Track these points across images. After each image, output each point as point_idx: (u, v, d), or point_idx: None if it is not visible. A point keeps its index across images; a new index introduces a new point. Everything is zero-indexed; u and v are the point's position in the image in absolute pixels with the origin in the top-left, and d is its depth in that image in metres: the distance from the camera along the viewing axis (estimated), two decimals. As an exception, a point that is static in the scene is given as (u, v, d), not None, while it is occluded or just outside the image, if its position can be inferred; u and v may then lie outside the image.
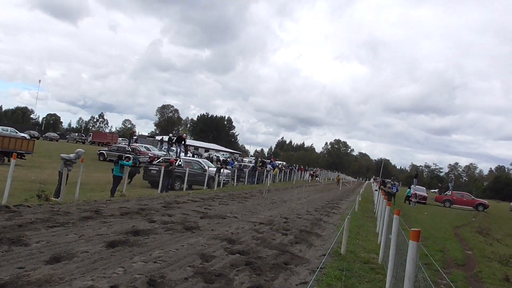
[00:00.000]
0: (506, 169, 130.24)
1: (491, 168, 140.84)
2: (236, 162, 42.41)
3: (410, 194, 34.12)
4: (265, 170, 35.09)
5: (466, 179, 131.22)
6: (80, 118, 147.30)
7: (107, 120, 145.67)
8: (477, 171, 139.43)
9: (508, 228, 24.55)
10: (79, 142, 61.23)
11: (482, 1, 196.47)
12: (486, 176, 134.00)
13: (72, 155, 13.89)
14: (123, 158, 17.35)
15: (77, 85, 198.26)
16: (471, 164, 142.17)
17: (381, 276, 7.62)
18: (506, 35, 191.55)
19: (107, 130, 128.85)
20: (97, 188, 18.90)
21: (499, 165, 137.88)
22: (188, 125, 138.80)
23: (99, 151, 37.52)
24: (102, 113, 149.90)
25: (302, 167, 62.31)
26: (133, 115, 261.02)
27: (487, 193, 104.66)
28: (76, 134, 76.60)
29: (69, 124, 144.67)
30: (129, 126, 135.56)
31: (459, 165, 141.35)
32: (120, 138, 64.46)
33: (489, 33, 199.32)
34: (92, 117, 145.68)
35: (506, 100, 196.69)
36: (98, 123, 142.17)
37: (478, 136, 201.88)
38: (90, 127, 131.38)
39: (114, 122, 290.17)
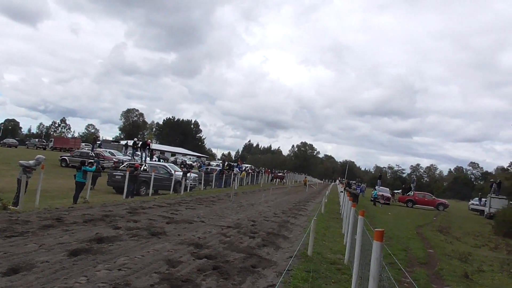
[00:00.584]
0: (464, 170, 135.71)
1: (450, 169, 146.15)
2: (204, 166, 42.15)
3: (376, 196, 34.88)
4: (232, 174, 35.01)
5: (427, 180, 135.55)
6: (41, 124, 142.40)
7: (69, 125, 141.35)
8: (438, 172, 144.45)
9: (467, 226, 25.53)
10: (40, 148, 58.97)
11: (440, 9, 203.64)
12: (446, 176, 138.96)
13: (31, 162, 13.40)
14: (86, 164, 16.89)
15: (38, 90, 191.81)
16: (432, 165, 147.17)
17: (347, 276, 7.74)
18: (462, 42, 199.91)
19: (69, 136, 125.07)
20: (59, 195, 18.31)
21: (457, 166, 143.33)
22: (154, 129, 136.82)
23: (61, 157, 36.32)
24: (64, 118, 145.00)
25: (268, 169, 62.55)
26: (97, 120, 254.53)
27: (447, 193, 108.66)
28: (37, 140, 73.83)
29: (29, 130, 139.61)
30: (92, 131, 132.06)
31: (421, 166, 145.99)
32: (83, 144, 62.62)
33: (446, 39, 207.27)
34: (54, 122, 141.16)
35: (463, 104, 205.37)
36: (60, 128, 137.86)
37: (438, 138, 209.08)
38: (52, 133, 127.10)
39: (77, 127, 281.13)
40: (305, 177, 65.49)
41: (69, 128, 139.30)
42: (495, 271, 11.07)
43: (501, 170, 58.60)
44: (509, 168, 39.81)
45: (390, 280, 4.20)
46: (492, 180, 44.68)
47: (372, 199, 35.46)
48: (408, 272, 7.90)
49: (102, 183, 23.29)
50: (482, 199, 43.02)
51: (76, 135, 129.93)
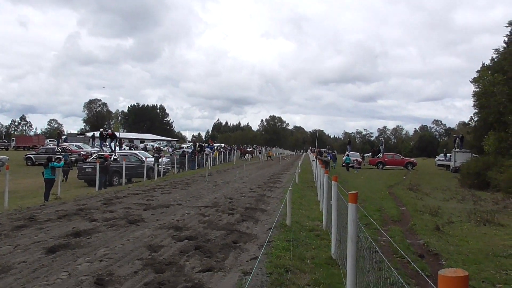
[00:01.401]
0: (428, 128, 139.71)
1: (415, 128, 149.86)
2: (174, 149, 41.71)
3: (349, 161, 35.48)
4: (205, 154, 34.88)
5: (395, 141, 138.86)
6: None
7: (30, 122, 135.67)
8: (404, 132, 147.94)
9: (435, 182, 26.53)
10: (2, 148, 56.75)
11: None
12: (412, 136, 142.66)
13: (-5, 163, 12.91)
14: (53, 160, 16.41)
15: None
16: (398, 126, 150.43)
17: (326, 241, 7.95)
18: (416, 3, 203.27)
19: (31, 133, 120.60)
20: (29, 194, 17.79)
21: (422, 125, 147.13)
22: (119, 117, 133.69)
23: (26, 155, 35.08)
24: (23, 115, 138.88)
25: (241, 147, 62.65)
26: (59, 114, 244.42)
27: (414, 151, 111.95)
28: (-3, 140, 70.96)
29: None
30: (55, 126, 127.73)
31: (387, 129, 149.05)
32: (48, 140, 60.62)
33: (401, 2, 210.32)
34: (13, 121, 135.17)
35: (422, 64, 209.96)
36: (20, 127, 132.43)
37: (401, 99, 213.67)
38: (12, 132, 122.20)
39: (39, 124, 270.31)
40: (269, 150, 65.65)
41: (30, 126, 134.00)
42: (464, 221, 11.61)
43: (463, 125, 60.91)
44: (469, 122, 41.35)
45: (368, 240, 4.33)
46: (455, 135, 46.29)
47: (344, 164, 36.12)
48: (384, 231, 8.18)
49: (73, 177, 22.77)
50: (447, 154, 44.65)
51: (38, 131, 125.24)
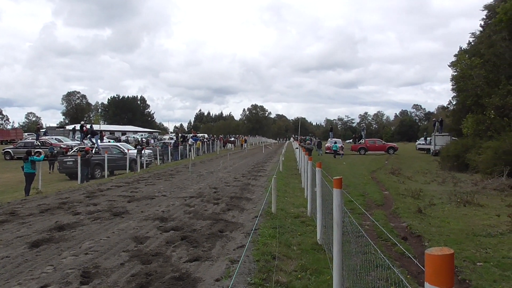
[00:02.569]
0: (408, 113, 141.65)
1: (396, 113, 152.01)
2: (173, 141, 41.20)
3: (336, 149, 35.76)
4: (188, 145, 34.70)
5: (376, 126, 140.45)
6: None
7: (7, 116, 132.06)
8: (385, 117, 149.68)
9: (416, 165, 26.99)
10: (-21, 143, 55.38)
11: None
12: (392, 121, 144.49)
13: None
14: (33, 154, 16.09)
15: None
16: (379, 111, 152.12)
17: (311, 227, 8.04)
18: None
19: (9, 127, 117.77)
20: (9, 189, 17.44)
21: (402, 110, 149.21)
22: (100, 110, 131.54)
23: (4, 150, 34.32)
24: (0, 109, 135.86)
25: (222, 137, 62.44)
26: (37, 107, 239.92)
27: (395, 136, 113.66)
28: (-27, 135, 69.02)
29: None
30: (33, 119, 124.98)
31: (369, 114, 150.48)
32: (26, 133, 59.31)
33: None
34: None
35: (401, 49, 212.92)
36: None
37: (382, 85, 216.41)
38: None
39: (16, 117, 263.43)
40: (242, 137, 65.27)
41: (7, 119, 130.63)
42: (445, 203, 11.87)
43: (442, 109, 61.80)
44: (448, 106, 42.03)
45: (353, 224, 4.39)
46: (434, 119, 47.07)
47: (328, 151, 36.35)
48: (368, 215, 8.32)
49: (54, 171, 22.41)
50: (427, 138, 45.38)
51: (16, 125, 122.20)
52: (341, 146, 37.69)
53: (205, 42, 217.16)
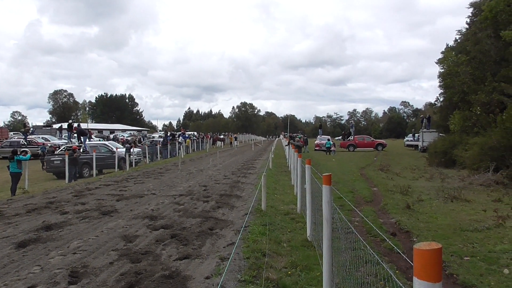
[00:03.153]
0: (397, 110, 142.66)
1: (384, 110, 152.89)
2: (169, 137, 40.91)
3: (330, 146, 35.88)
4: (177, 143, 34.55)
5: (365, 123, 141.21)
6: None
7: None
8: (373, 114, 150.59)
9: (405, 162, 27.22)
10: (-37, 143, 54.36)
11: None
12: (381, 118, 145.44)
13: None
14: (19, 153, 15.87)
15: None
16: (367, 109, 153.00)
17: (301, 224, 8.06)
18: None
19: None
20: (-6, 189, 17.17)
21: (390, 107, 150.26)
22: (87, 108, 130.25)
23: (-12, 149, 33.79)
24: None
25: (209, 134, 62.30)
26: (22, 106, 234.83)
27: (384, 133, 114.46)
28: (-43, 135, 67.78)
29: None
30: (19, 118, 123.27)
31: (357, 111, 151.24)
32: (12, 132, 58.46)
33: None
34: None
35: (389, 47, 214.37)
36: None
37: (370, 82, 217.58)
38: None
39: (1, 116, 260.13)
40: (231, 135, 65.19)
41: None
42: (433, 198, 11.99)
43: (429, 105, 62.48)
44: (436, 103, 42.44)
45: (343, 220, 4.41)
46: (422, 116, 47.46)
47: (317, 148, 36.39)
48: (358, 211, 8.37)
49: (38, 170, 22.14)
50: (415, 134, 45.81)
51: (1, 124, 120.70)
52: (333, 143, 37.91)
53: (194, 40, 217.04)
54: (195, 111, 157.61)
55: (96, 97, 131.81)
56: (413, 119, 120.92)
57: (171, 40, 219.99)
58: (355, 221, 8.90)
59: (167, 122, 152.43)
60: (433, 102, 47.24)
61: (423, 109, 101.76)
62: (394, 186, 14.44)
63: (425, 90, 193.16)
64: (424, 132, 36.39)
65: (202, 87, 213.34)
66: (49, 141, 34.96)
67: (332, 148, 35.62)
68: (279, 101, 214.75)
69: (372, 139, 45.01)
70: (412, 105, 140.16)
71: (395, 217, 9.58)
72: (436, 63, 30.45)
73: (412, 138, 47.35)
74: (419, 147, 36.76)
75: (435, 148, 25.49)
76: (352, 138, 42.73)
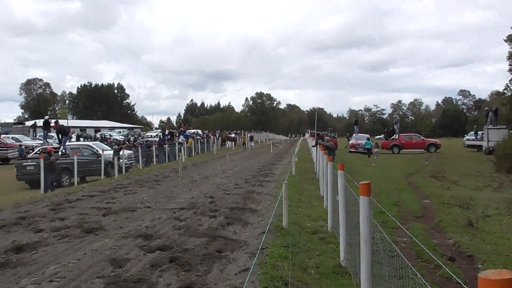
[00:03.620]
0: (454, 101, 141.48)
1: (437, 101, 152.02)
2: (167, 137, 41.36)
3: (370, 147, 35.75)
4: (177, 144, 34.81)
5: (413, 118, 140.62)
6: None
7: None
8: (423, 107, 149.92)
9: (464, 167, 26.91)
10: None
11: None
12: (433, 111, 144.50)
13: None
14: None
15: None
16: (416, 100, 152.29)
17: (333, 245, 8.02)
18: None
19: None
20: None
21: (446, 97, 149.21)
22: (67, 101, 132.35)
23: None
24: None
25: (216, 132, 62.56)
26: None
27: (437, 131, 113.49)
28: None
29: None
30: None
31: (403, 103, 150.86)
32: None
33: None
34: None
35: (442, 22, 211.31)
36: None
37: (418, 66, 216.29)
38: None
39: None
40: (244, 135, 65.26)
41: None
42: (502, 214, 11.83)
43: (496, 95, 61.54)
44: (505, 91, 41.71)
45: (385, 241, 4.37)
46: (487, 108, 46.82)
47: (353, 150, 36.25)
48: (404, 229, 8.30)
49: (10, 178, 22.53)
50: (478, 132, 45.20)
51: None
52: (376, 143, 37.82)
53: (197, 17, 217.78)
54: (199, 104, 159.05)
55: (78, 88, 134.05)
56: (475, 113, 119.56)
57: (170, 17, 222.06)
58: (401, 241, 8.82)
59: (164, 118, 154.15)
60: (501, 90, 46.50)
61: (488, 100, 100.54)
62: (452, 197, 14.29)
63: (490, 76, 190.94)
64: (490, 128, 35.91)
65: (208, 75, 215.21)
66: (21, 141, 35.63)
67: (375, 150, 35.47)
68: (303, 91, 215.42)
69: (422, 138, 44.69)
70: (474, 95, 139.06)
71: (453, 237, 9.46)
72: (505, 40, 30.06)
73: (474, 137, 46.71)
74: (484, 148, 36.30)
75: (504, 149, 25.12)
76: (396, 137, 42.45)
